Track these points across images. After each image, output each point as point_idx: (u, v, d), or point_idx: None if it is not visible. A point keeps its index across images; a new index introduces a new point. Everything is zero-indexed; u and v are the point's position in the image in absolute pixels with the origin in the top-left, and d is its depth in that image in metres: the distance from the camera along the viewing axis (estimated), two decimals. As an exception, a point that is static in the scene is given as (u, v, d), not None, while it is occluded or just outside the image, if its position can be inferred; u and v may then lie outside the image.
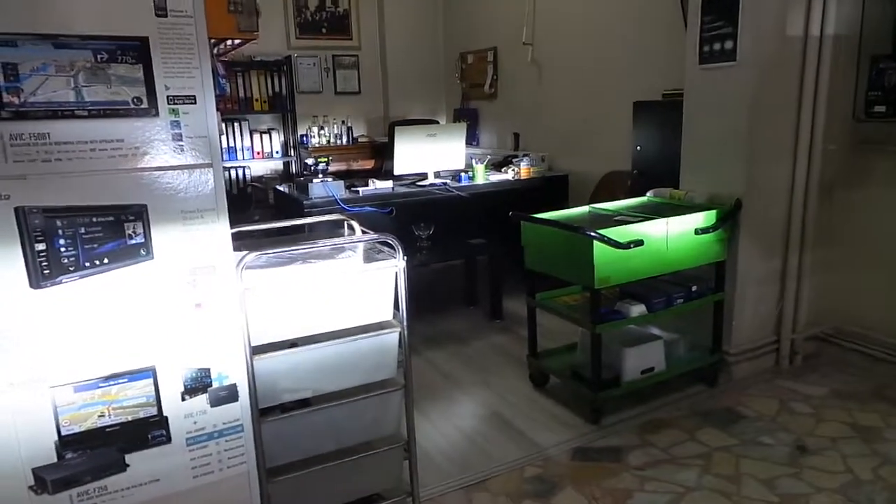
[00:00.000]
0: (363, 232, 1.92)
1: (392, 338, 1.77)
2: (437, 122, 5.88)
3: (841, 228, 3.11)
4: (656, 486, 2.33)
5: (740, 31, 2.76)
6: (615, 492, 2.31)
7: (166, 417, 1.47)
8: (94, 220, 1.30)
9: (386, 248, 1.84)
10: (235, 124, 5.60)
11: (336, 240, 1.76)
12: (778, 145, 2.95)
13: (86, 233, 1.30)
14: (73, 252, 1.30)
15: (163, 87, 1.33)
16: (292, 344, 1.78)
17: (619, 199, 3.49)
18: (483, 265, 4.29)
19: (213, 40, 1.53)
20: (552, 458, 2.55)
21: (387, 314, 1.79)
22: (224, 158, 5.54)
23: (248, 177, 5.70)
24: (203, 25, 1.33)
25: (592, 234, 2.55)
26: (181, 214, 1.39)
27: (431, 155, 4.30)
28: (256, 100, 5.59)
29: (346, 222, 1.99)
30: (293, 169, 5.85)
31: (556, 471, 2.46)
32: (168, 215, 1.38)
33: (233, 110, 5.54)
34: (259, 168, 5.83)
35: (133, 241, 1.35)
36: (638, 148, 3.81)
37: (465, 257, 4.33)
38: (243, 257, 1.53)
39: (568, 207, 3.37)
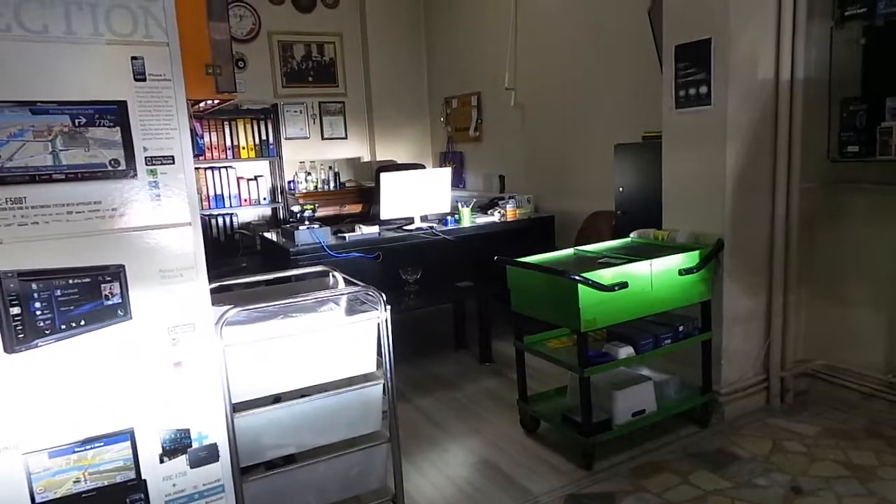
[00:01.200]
0: (347, 282, 1.92)
1: (376, 390, 1.75)
2: (423, 167, 5.95)
3: (824, 265, 3.14)
4: (651, 534, 2.29)
5: (713, 76, 2.84)
6: (609, 541, 2.27)
7: (145, 481, 1.44)
8: (71, 282, 1.29)
9: (370, 298, 1.84)
10: (222, 171, 5.63)
11: (317, 293, 1.75)
12: (757, 185, 2.99)
13: (62, 295, 1.29)
14: (49, 315, 1.28)
15: (141, 148, 1.35)
16: (276, 399, 1.76)
17: (604, 238, 3.53)
18: (472, 308, 4.28)
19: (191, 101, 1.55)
20: (544, 506, 2.50)
21: (370, 366, 1.77)
22: (211, 206, 5.57)
23: (235, 224, 5.70)
24: (181, 88, 1.35)
25: (577, 277, 2.56)
26: (159, 273, 1.39)
27: (417, 199, 4.34)
28: (243, 147, 5.65)
29: (330, 273, 1.99)
30: (281, 215, 5.87)
31: (548, 520, 2.41)
32: (146, 275, 1.37)
33: (219, 158, 5.58)
34: (247, 215, 5.84)
35: (110, 302, 1.34)
36: (620, 189, 3.85)
37: (453, 301, 4.32)
38: (223, 314, 1.52)
39: (554, 248, 3.39)
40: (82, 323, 1.32)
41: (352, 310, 1.82)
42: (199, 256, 1.43)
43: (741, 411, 3.11)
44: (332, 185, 6.11)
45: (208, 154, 5.50)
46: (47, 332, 1.29)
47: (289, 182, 5.96)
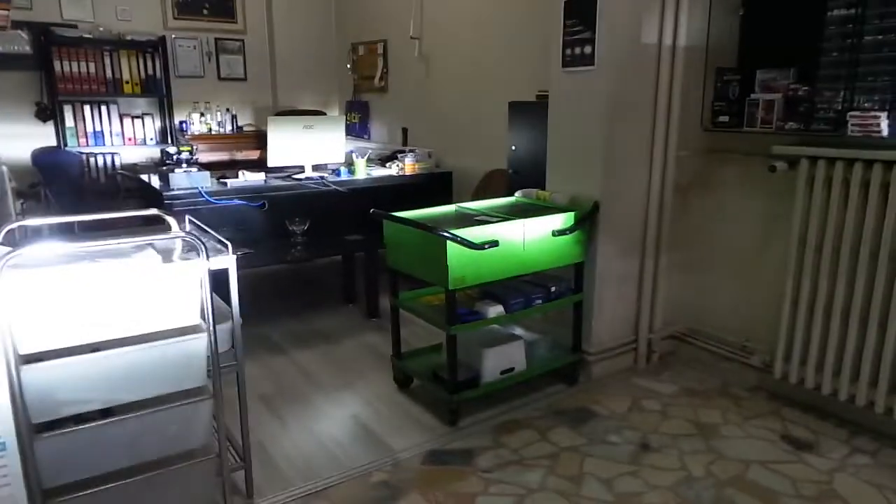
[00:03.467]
0: (186, 231, 1.77)
1: (197, 343, 1.64)
2: (324, 114, 5.71)
3: (693, 232, 3.24)
4: (501, 489, 2.32)
5: (598, 36, 2.80)
6: (460, 496, 2.28)
7: None
8: None
9: (198, 246, 1.70)
10: (102, 107, 5.19)
11: (130, 239, 1.60)
12: (635, 151, 3.02)
13: None
14: None
15: None
16: (94, 349, 1.61)
17: (499, 197, 3.48)
18: (362, 262, 4.19)
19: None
20: (402, 462, 2.49)
21: (193, 318, 1.65)
22: (90, 143, 5.15)
23: (117, 164, 5.30)
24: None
25: (446, 234, 2.50)
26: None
27: (309, 147, 4.15)
28: (127, 82, 5.21)
29: (163, 218, 1.83)
30: (171, 157, 5.50)
31: (403, 476, 2.40)
32: None
33: (99, 91, 5.13)
34: (132, 155, 5.44)
35: None
36: (513, 147, 3.82)
37: (341, 253, 4.21)
38: (5, 255, 1.35)
39: (451, 204, 3.33)
40: None
41: (180, 257, 1.68)
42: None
43: (608, 371, 3.20)
44: (228, 128, 5.77)
45: (85, 87, 5.04)
46: None
47: (180, 122, 5.58)
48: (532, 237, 2.77)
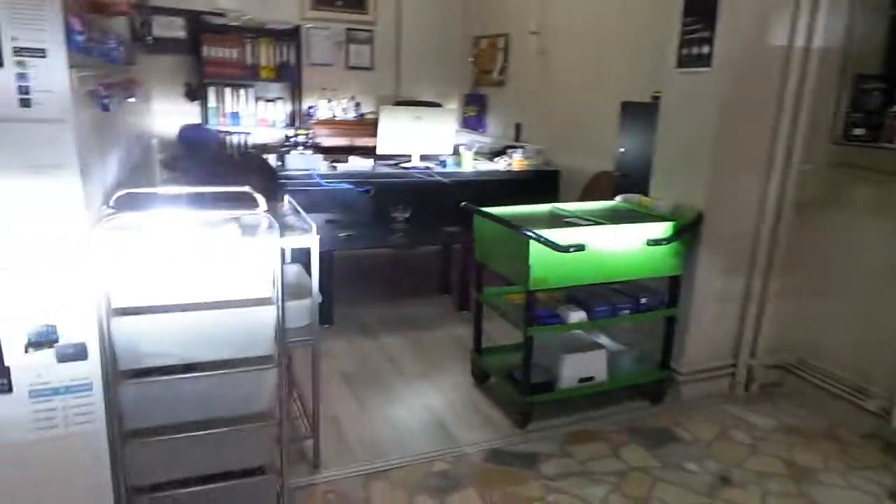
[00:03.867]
0: (272, 208, 1.89)
1: (266, 315, 1.74)
2: (440, 105, 5.79)
3: (812, 254, 2.93)
4: (560, 499, 2.26)
5: (717, 35, 2.61)
6: (516, 499, 2.25)
7: (8, 367, 1.48)
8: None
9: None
10: (241, 90, 5.63)
11: (215, 213, 1.73)
12: (750, 160, 2.79)
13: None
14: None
15: (9, 37, 1.31)
16: (176, 309, 1.77)
17: (605, 200, 3.36)
18: (459, 253, 4.22)
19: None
20: (465, 456, 2.50)
21: (265, 291, 1.75)
22: (228, 123, 5.60)
23: (249, 143, 5.73)
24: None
25: (530, 233, 2.46)
26: (27, 168, 1.38)
27: (417, 137, 4.24)
28: (264, 67, 5.61)
29: (253, 196, 1.95)
30: (297, 139, 5.86)
31: (464, 470, 2.41)
32: (12, 168, 1.37)
33: (239, 76, 5.57)
34: (264, 136, 5.85)
35: (-26, 192, 1.35)
36: (622, 150, 3.67)
37: (440, 244, 4.27)
38: (102, 217, 1.51)
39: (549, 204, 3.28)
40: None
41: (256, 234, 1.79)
42: (71, 155, 1.41)
43: (700, 394, 3.00)
44: (351, 115, 6.04)
45: (228, 71, 5.49)
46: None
47: (308, 108, 5.92)
48: (624, 244, 2.65)
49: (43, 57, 1.34)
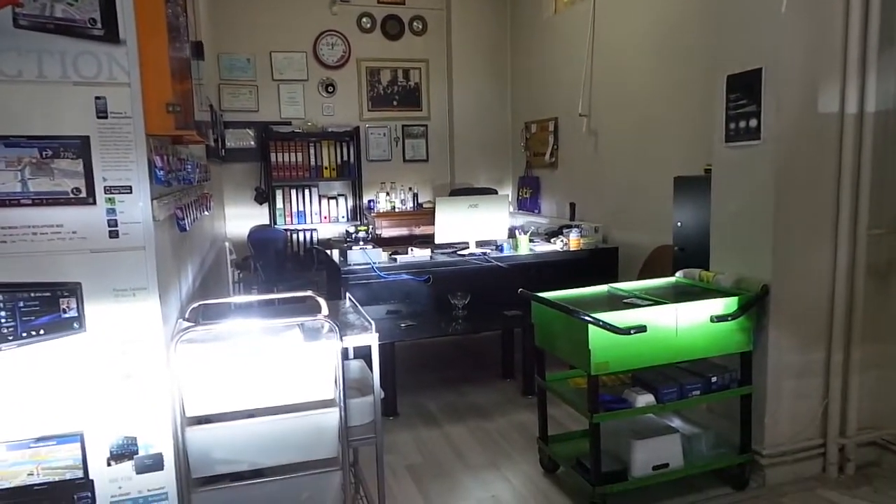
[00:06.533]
0: (332, 308, 1.98)
1: (331, 417, 1.79)
2: (495, 192, 5.94)
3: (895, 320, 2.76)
4: None
5: (764, 109, 2.62)
6: None
7: (92, 481, 1.57)
8: (32, 295, 1.46)
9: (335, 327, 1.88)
10: (305, 190, 5.98)
11: (278, 320, 1.82)
12: (813, 228, 2.71)
13: (24, 306, 1.46)
14: (12, 323, 1.45)
15: (101, 178, 1.49)
16: (250, 415, 1.85)
17: (667, 275, 3.32)
18: (521, 337, 4.20)
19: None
20: (538, 554, 2.40)
21: (327, 393, 1.81)
22: (294, 222, 5.92)
23: (314, 239, 6.01)
24: (140, 125, 1.49)
25: (587, 317, 2.45)
26: (113, 292, 1.52)
27: (473, 224, 4.34)
28: (326, 167, 5.96)
29: (316, 300, 2.05)
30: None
31: (537, 569, 2.31)
32: (101, 293, 1.52)
33: (304, 177, 5.93)
34: (327, 231, 6.13)
35: (67, 315, 1.49)
36: (678, 224, 3.63)
37: (500, 328, 4.27)
38: (179, 332, 1.63)
39: (616, 281, 3.26)
40: (41, 332, 1.48)
41: (318, 337, 1.87)
42: (152, 278, 1.55)
43: (788, 477, 2.79)
44: (409, 205, 6.27)
45: (293, 174, 5.87)
46: (10, 338, 1.46)
47: (369, 201, 6.20)
48: (687, 322, 2.59)
49: (129, 193, 1.51)
